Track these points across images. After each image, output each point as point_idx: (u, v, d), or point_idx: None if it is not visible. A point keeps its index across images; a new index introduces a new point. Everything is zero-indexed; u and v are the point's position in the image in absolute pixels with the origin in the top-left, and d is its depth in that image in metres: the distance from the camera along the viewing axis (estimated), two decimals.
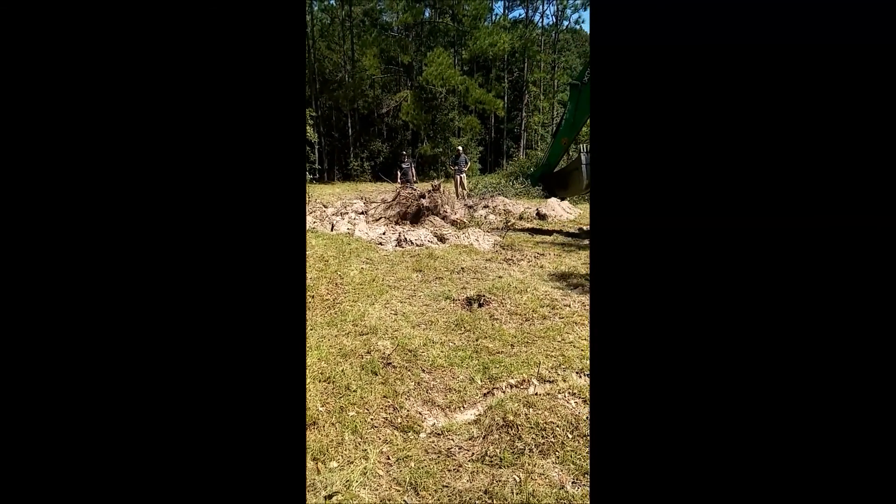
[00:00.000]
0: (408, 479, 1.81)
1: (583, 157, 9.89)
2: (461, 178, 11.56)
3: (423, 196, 8.29)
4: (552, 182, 11.20)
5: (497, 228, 7.58)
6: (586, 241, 6.72)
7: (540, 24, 29.63)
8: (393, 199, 8.68)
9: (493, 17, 27.45)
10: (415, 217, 7.91)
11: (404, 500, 1.71)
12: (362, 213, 8.87)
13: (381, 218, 8.15)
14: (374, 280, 4.63)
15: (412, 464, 1.91)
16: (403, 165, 11.56)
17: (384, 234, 7.00)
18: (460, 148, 12.69)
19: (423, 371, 2.74)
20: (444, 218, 7.96)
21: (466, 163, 11.89)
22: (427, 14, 23.28)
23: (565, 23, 30.98)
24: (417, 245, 6.31)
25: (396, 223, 7.76)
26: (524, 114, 28.03)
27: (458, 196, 11.43)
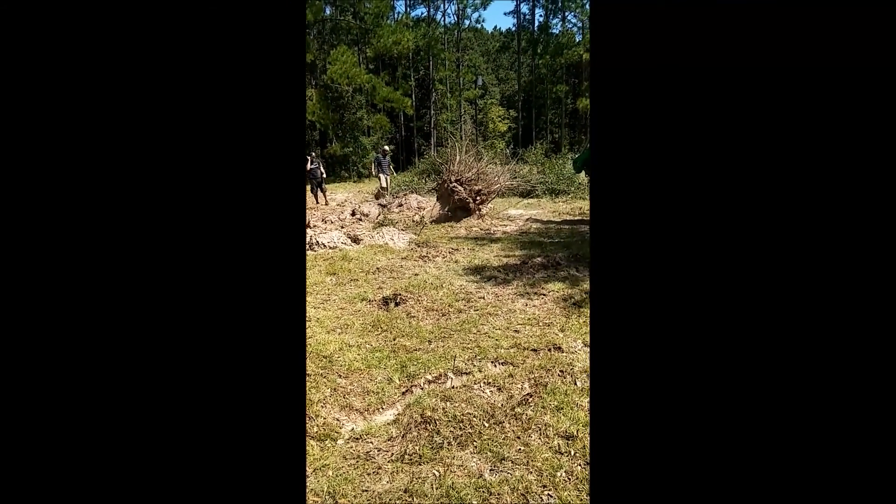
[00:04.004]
0: (325, 489, 1.76)
1: None
2: (385, 177, 11.66)
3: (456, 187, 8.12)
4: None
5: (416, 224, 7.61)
6: (498, 235, 6.92)
7: (442, 23, 30.03)
8: (438, 197, 8.46)
9: (396, 15, 27.39)
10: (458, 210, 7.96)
11: None
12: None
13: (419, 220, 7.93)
14: None
15: (330, 472, 1.86)
16: (311, 166, 11.27)
17: None
18: (387, 147, 12.84)
19: (340, 376, 2.68)
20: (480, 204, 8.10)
21: (390, 164, 12.26)
22: (327, 11, 22.73)
23: (466, 22, 31.64)
24: (330, 248, 6.15)
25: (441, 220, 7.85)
26: (432, 112, 28.29)
27: (377, 196, 11.44)
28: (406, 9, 30.06)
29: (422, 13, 29.97)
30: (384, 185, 11.61)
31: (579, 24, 29.81)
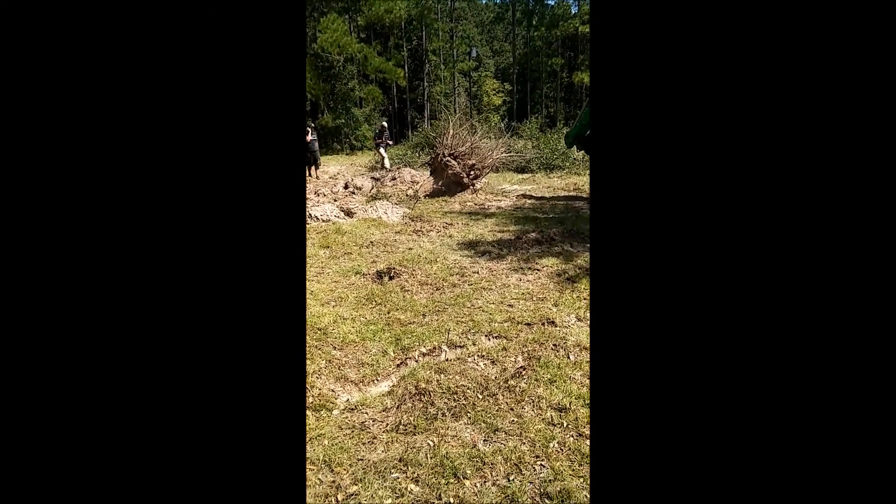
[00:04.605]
0: (321, 458, 1.78)
1: None
2: (382, 151, 11.68)
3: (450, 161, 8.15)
4: (588, 143, 11.21)
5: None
6: (492, 210, 6.90)
7: None
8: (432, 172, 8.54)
9: None
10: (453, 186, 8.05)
11: (318, 479, 1.68)
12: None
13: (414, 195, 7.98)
14: None
15: (326, 441, 1.89)
16: (310, 138, 11.08)
17: None
18: (384, 123, 12.80)
19: (335, 348, 2.69)
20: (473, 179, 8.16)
21: (390, 136, 12.32)
22: None
23: None
24: (324, 221, 6.11)
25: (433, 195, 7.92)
26: (426, 83, 27.81)
27: (381, 167, 11.45)
28: None
29: None
30: (385, 159, 11.63)
31: None
